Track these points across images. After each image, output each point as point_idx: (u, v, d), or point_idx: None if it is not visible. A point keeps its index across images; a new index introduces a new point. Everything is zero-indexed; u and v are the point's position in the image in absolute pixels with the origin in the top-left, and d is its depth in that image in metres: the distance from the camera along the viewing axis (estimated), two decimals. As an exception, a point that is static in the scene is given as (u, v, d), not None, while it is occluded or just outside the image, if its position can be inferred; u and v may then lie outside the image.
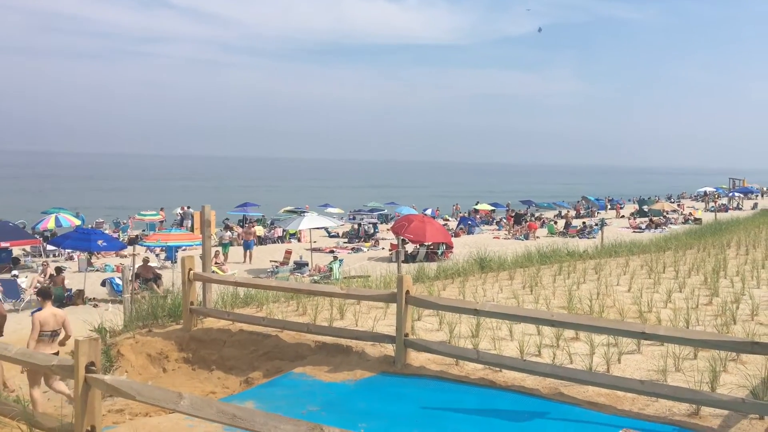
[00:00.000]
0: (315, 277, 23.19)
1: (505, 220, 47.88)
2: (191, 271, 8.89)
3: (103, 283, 21.14)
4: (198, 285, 9.12)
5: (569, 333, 7.48)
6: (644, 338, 5.34)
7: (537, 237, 38.06)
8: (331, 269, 23.74)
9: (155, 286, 20.16)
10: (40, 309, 16.53)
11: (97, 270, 25.44)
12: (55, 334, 8.83)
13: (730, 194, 71.53)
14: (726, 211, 55.75)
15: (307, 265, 25.72)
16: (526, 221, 45.83)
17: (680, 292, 10.33)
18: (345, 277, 21.80)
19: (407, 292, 6.88)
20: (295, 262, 26.20)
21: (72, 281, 22.29)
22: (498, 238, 38.82)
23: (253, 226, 35.25)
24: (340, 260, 25.25)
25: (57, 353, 8.86)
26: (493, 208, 56.26)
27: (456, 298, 9.91)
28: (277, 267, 25.44)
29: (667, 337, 5.20)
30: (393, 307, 8.82)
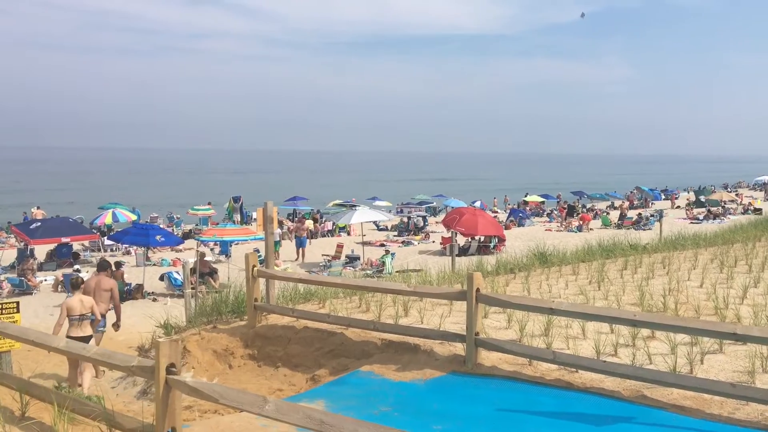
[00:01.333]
0: (368, 271, 23.19)
1: (556, 212, 47.09)
2: (255, 268, 8.90)
3: (161, 278, 21.48)
4: (261, 281, 9.12)
5: (645, 331, 7.21)
6: (736, 339, 5.07)
7: (591, 229, 37.32)
8: (383, 263, 23.67)
9: (212, 281, 20.40)
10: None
11: (154, 264, 25.91)
12: (83, 318, 9.66)
13: (792, 183, 69.00)
14: (788, 200, 53.76)
15: (359, 258, 25.71)
16: (578, 213, 44.98)
17: (756, 287, 9.90)
18: (398, 271, 21.71)
19: (477, 289, 6.72)
20: (347, 256, 26.22)
21: (130, 276, 22.73)
22: (550, 230, 38.17)
23: (303, 221, 34.25)
24: (393, 254, 25.16)
25: (90, 336, 9.71)
26: (543, 199, 55.43)
27: (522, 294, 9.69)
28: (329, 261, 25.50)
29: (762, 338, 4.92)
30: (457, 304, 8.70)
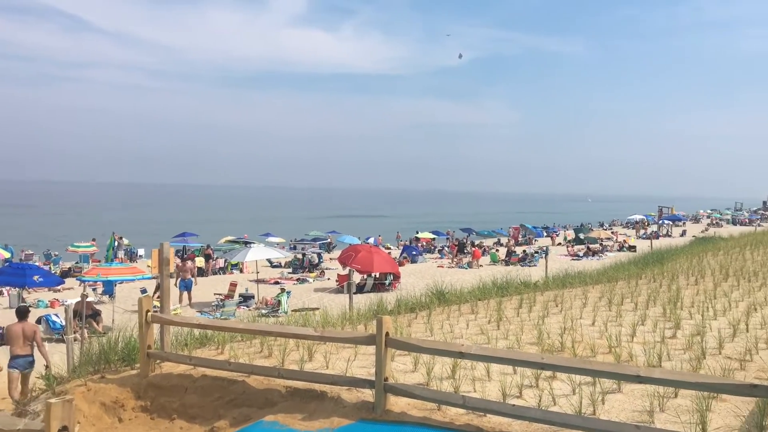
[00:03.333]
0: (263, 310, 22.62)
1: (447, 249, 48.16)
2: (149, 313, 8.40)
3: (39, 321, 19.96)
4: (155, 327, 8.62)
5: (548, 372, 7.36)
6: (639, 381, 5.24)
7: (480, 265, 38.38)
8: (279, 301, 23.19)
9: (94, 324, 19.21)
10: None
11: (30, 306, 24.08)
12: None
13: (660, 222, 74.19)
14: (657, 238, 57.68)
15: (253, 297, 25.08)
16: (469, 249, 46.20)
17: (643, 324, 10.40)
18: (294, 310, 21.33)
19: (387, 333, 6.62)
20: (240, 295, 25.51)
21: (2, 319, 21.02)
22: (442, 266, 38.93)
23: (187, 263, 29.63)
24: (288, 292, 24.72)
25: None
26: (434, 236, 56.62)
27: (426, 335, 9.70)
28: (222, 300, 24.69)
29: (664, 380, 5.12)
30: (363, 346, 8.56)
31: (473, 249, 43.65)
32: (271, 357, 8.60)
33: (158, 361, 8.55)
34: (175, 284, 25.71)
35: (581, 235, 57.33)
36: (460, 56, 60.57)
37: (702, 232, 62.14)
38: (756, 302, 12.26)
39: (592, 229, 66.13)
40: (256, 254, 27.10)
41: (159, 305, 9.24)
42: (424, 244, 53.11)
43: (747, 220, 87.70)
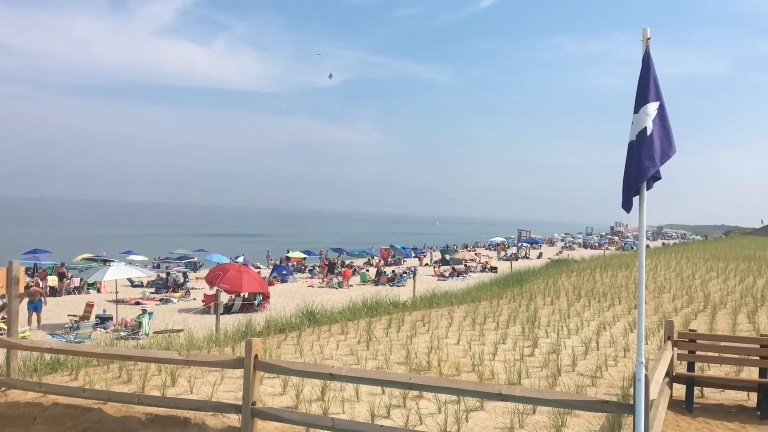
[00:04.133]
0: (122, 333, 21.43)
1: (318, 268, 48.08)
2: (-7, 337, 7.73)
3: None
4: (1, 352, 7.95)
5: (415, 391, 7.51)
6: (501, 399, 5.46)
7: (351, 285, 38.60)
8: (140, 323, 22.08)
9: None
10: None
11: None
12: None
13: (519, 244, 78.14)
14: (516, 259, 60.68)
15: (111, 319, 23.73)
16: (339, 269, 46.37)
17: (504, 343, 10.88)
18: (157, 332, 20.40)
19: (256, 356, 6.49)
20: (97, 316, 24.03)
21: None
22: (312, 286, 38.77)
23: (33, 285, 27.58)
24: (150, 313, 23.59)
25: None
26: (305, 255, 56.32)
27: (296, 356, 9.60)
28: (76, 322, 23.14)
29: (524, 398, 5.36)
30: (230, 369, 8.34)
31: (344, 269, 43.84)
32: (130, 382, 8.17)
33: (3, 389, 7.88)
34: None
35: (447, 256, 59.21)
36: (330, 76, 61.16)
37: (557, 254, 66.12)
38: (605, 321, 13.19)
39: (457, 251, 68.56)
40: (116, 273, 25.69)
41: (5, 328, 8.54)
42: (295, 263, 52.71)
43: (597, 244, 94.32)
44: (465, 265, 52.19)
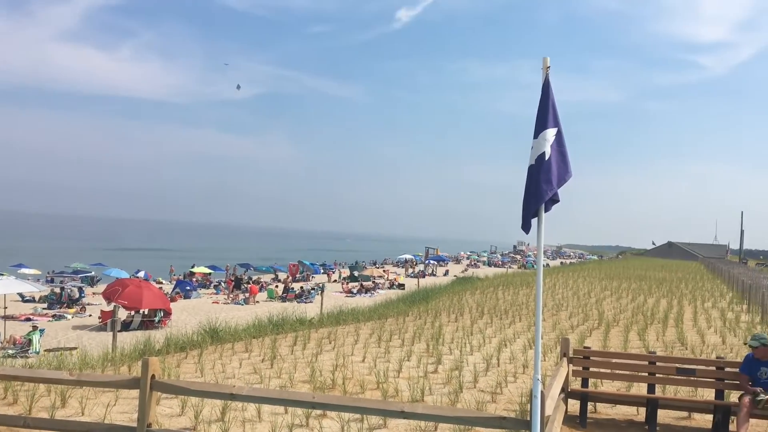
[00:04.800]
0: (9, 351, 20.15)
1: (224, 284, 47.03)
2: None
3: None
4: None
5: (318, 410, 7.44)
6: (404, 417, 5.49)
7: (257, 301, 37.96)
8: (30, 340, 20.84)
9: None
10: None
11: None
12: None
13: (427, 261, 79.35)
14: (423, 276, 61.54)
15: (-2, 336, 22.28)
16: (245, 285, 45.52)
17: (409, 360, 10.97)
18: (48, 350, 19.32)
19: (153, 376, 6.25)
20: (-18, 334, 22.51)
21: None
22: (217, 302, 37.87)
23: None
24: (41, 330, 22.32)
25: None
26: (210, 270, 54.94)
27: (196, 375, 9.33)
28: (-45, 340, 21.59)
29: (425, 415, 5.41)
30: (126, 391, 8.00)
31: (250, 285, 43.06)
32: (16, 404, 7.69)
33: None
34: None
35: (356, 273, 59.31)
36: (239, 87, 60.51)
37: (462, 272, 67.55)
38: (506, 338, 13.56)
39: (365, 267, 68.76)
40: (5, 287, 24.11)
41: None
42: (200, 278, 51.31)
43: (500, 262, 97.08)
44: (373, 282, 52.43)
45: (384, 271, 66.26)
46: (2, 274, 33.93)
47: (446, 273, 67.98)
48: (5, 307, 26.72)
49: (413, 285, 42.03)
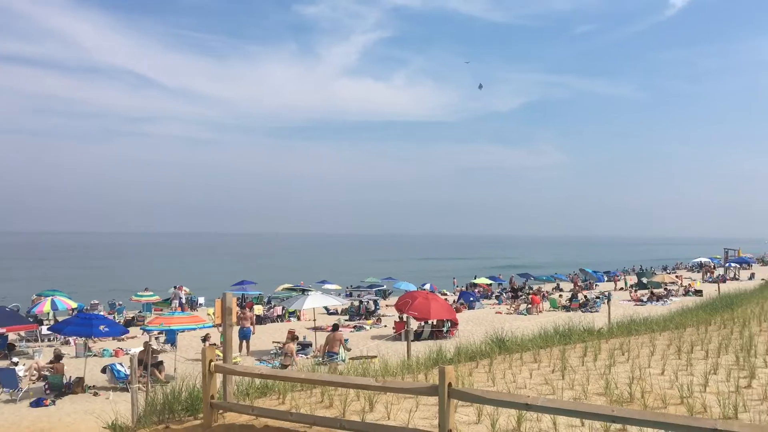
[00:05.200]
0: (320, 358, 22.60)
1: (505, 294, 47.49)
2: (212, 363, 8.49)
3: (104, 370, 20.44)
4: (218, 377, 8.70)
5: (618, 425, 7.09)
6: (717, 436, 5.00)
7: (540, 311, 37.62)
8: (327, 352, 23.13)
9: (157, 373, 19.52)
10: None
11: (95, 355, 24.73)
12: None
13: (727, 265, 71.55)
14: (724, 281, 55.59)
15: (311, 345, 25.12)
16: (526, 294, 45.44)
17: (715, 373, 9.96)
18: (352, 358, 21.25)
19: (449, 384, 6.52)
20: (298, 343, 25.57)
21: (69, 368, 21.60)
22: (500, 313, 38.34)
23: (245, 312, 29.76)
24: (346, 340, 24.66)
25: None
26: (491, 281, 55.91)
27: (488, 385, 9.51)
28: (280, 348, 24.80)
29: (745, 434, 4.88)
30: (425, 397, 8.45)
31: (531, 295, 42.88)
32: (332, 407, 8.56)
33: (221, 411, 8.60)
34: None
35: (644, 280, 55.73)
36: (480, 87, 60.50)
37: (773, 274, 59.66)
38: (838, 350, 11.63)
39: (655, 274, 64.27)
40: (314, 302, 27.23)
41: (221, 355, 9.37)
42: (481, 289, 52.49)
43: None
44: (665, 289, 48.80)
45: (676, 276, 61.33)
46: (310, 290, 38.27)
47: (751, 277, 60.68)
48: (314, 320, 30.08)
49: (712, 291, 38.18)
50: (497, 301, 46.06)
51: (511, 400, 6.20)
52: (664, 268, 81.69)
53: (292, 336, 23.96)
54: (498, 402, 6.31)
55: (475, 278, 58.08)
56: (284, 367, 20.57)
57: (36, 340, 28.12)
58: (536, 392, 8.98)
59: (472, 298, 43.49)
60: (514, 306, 40.89)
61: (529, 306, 38.82)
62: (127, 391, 16.49)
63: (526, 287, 52.49)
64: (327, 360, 20.92)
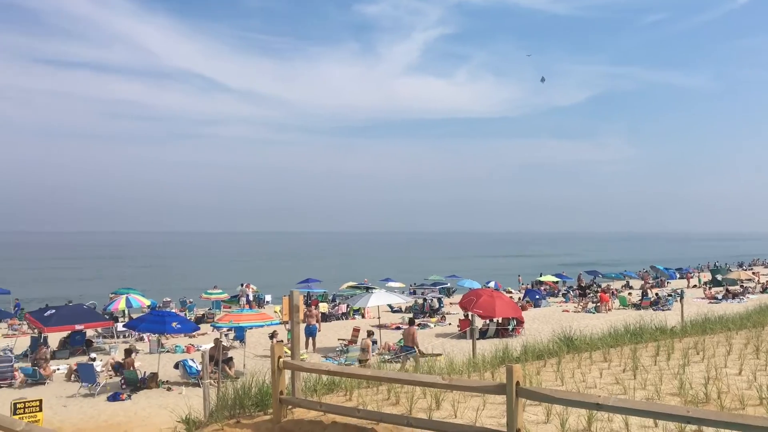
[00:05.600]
0: (385, 356, 22.70)
1: (572, 292, 46.60)
2: (281, 359, 8.64)
3: (176, 366, 21.08)
4: (287, 373, 8.84)
5: (693, 426, 6.86)
6: (803, 439, 4.77)
7: (608, 309, 36.75)
8: (401, 347, 23.20)
9: (227, 368, 19.99)
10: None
11: (168, 351, 25.53)
12: None
13: (808, 260, 68.23)
14: (806, 278, 53.06)
15: (376, 342, 25.25)
16: (594, 292, 44.46)
17: (798, 374, 9.53)
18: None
19: (517, 383, 6.44)
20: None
21: (144, 363, 22.37)
22: (567, 311, 37.64)
23: (311, 310, 30.74)
24: (411, 337, 24.68)
25: None
26: (557, 279, 54.90)
27: (556, 384, 9.36)
28: (345, 346, 25.05)
29: (833, 438, 4.64)
30: (492, 396, 8.37)
31: (599, 293, 41.90)
32: (398, 404, 8.58)
33: (290, 407, 8.73)
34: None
35: (719, 277, 53.72)
36: (543, 80, 59.05)
37: None
38: None
39: (730, 270, 61.82)
40: (378, 300, 27.37)
41: (289, 351, 9.53)
42: (547, 287, 51.63)
43: None
44: (741, 286, 46.92)
45: (753, 273, 58.89)
46: (374, 288, 38.48)
47: (835, 273, 57.64)
48: (379, 317, 30.23)
49: (792, 288, 36.46)
50: (564, 299, 45.23)
51: (582, 399, 6.08)
52: (740, 265, 78.53)
53: (369, 332, 24.19)
54: (568, 401, 6.20)
55: (540, 276, 57.13)
56: (362, 362, 20.80)
57: (112, 337, 29.22)
58: (607, 392, 8.78)
59: (537, 296, 42.84)
60: (581, 304, 40.06)
61: (598, 304, 37.95)
62: (199, 386, 16.97)
63: (594, 285, 51.30)
64: (404, 355, 21.04)
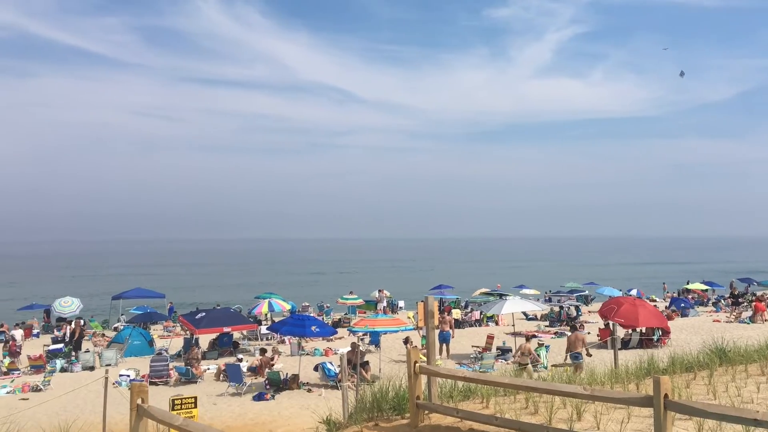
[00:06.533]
0: (517, 364, 22.28)
1: (724, 301, 43.49)
2: (417, 364, 8.73)
3: (316, 368, 21.85)
4: (423, 378, 8.92)
5: None
6: None
7: (765, 320, 33.97)
8: (538, 355, 22.68)
9: (363, 372, 20.45)
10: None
11: (307, 354, 26.51)
12: None
13: None
14: None
15: (510, 350, 24.87)
16: (748, 301, 41.23)
17: None
18: (553, 365, 20.72)
19: (665, 395, 6.12)
20: (498, 348, 25.45)
21: (286, 365, 23.37)
22: (719, 321, 35.16)
23: (444, 316, 29.67)
24: (547, 346, 24.10)
25: None
26: (706, 287, 51.40)
27: (708, 398, 8.80)
28: (480, 353, 24.84)
29: None
30: (637, 409, 8.00)
31: (755, 302, 38.78)
32: (537, 414, 8.41)
33: (426, 412, 8.80)
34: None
35: None
36: (682, 74, 54.84)
37: None
38: None
39: None
40: (512, 307, 26.90)
41: (424, 358, 9.60)
42: (696, 296, 48.47)
43: None
44: None
45: None
46: (508, 295, 37.89)
47: None
48: (513, 325, 29.73)
49: None
50: (715, 309, 42.29)
51: (737, 414, 5.67)
52: None
53: (528, 336, 24.10)
54: (721, 416, 5.80)
55: (687, 283, 53.72)
56: (522, 366, 20.59)
57: (256, 339, 30.76)
58: (766, 407, 8.14)
59: (684, 305, 40.33)
60: (734, 314, 37.29)
61: (753, 314, 35.14)
62: (337, 388, 17.50)
63: (749, 293, 47.54)
64: (572, 362, 20.55)
